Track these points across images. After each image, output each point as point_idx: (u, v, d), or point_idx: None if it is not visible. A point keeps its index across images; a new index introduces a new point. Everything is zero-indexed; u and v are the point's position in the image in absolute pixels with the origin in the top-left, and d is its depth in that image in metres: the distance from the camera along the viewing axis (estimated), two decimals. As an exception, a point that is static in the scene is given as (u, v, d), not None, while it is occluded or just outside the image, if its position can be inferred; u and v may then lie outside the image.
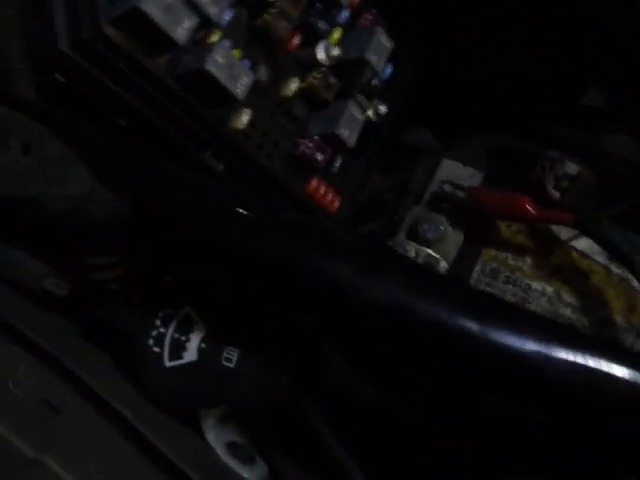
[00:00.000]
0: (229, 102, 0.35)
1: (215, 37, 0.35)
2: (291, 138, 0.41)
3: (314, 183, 0.43)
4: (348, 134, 0.41)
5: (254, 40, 0.39)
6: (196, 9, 0.32)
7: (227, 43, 0.36)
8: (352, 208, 0.46)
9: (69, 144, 0.35)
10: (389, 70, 0.46)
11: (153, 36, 0.31)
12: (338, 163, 0.44)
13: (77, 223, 0.34)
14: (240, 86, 0.35)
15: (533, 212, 0.42)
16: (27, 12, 0.33)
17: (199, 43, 0.35)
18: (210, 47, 0.33)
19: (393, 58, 0.46)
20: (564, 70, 0.48)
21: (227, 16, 0.36)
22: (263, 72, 0.40)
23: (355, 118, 0.42)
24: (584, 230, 0.41)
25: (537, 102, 0.50)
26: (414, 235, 0.46)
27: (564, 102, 0.50)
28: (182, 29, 0.32)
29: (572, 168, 0.43)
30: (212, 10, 0.33)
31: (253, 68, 0.38)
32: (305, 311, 0.31)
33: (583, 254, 0.44)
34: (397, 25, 0.46)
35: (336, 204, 0.45)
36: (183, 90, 0.34)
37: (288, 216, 0.34)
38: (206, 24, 0.34)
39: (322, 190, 0.44)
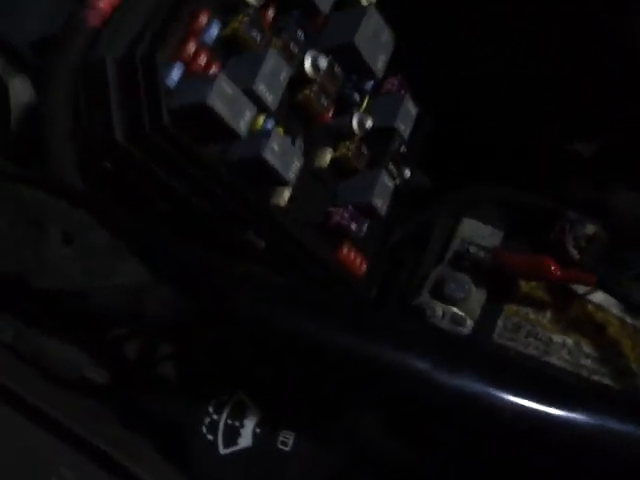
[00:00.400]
0: (279, 185, 0.35)
1: (262, 119, 0.35)
2: (323, 207, 0.42)
3: (345, 250, 0.43)
4: (381, 204, 0.42)
5: (292, 114, 0.38)
6: (256, 99, 0.32)
7: (272, 123, 0.36)
8: (377, 270, 0.46)
9: (115, 234, 0.33)
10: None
11: (215, 128, 0.31)
12: (365, 227, 0.44)
13: (126, 317, 0.33)
14: (292, 171, 0.34)
15: (558, 273, 0.44)
16: (81, 96, 0.31)
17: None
18: (266, 134, 0.33)
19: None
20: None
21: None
22: (300, 145, 0.40)
23: (387, 187, 0.42)
24: (607, 290, 0.43)
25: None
26: (439, 294, 0.47)
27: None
28: (244, 121, 0.31)
29: (590, 229, 0.45)
30: (270, 99, 0.33)
31: (293, 143, 0.38)
32: (378, 405, 0.31)
33: (599, 307, 0.46)
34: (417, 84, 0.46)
35: (363, 268, 0.45)
36: (235, 177, 0.34)
37: (357, 309, 0.34)
38: (262, 111, 0.33)
39: (352, 256, 0.44)
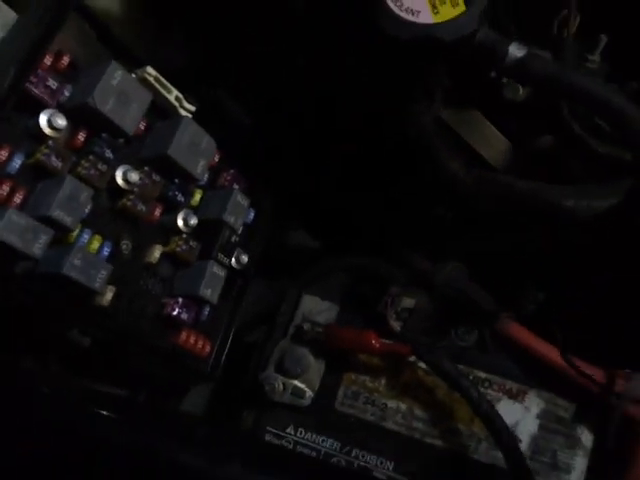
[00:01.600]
0: (90, 294, 0.39)
1: (74, 235, 0.39)
2: (159, 298, 0.45)
3: (184, 335, 0.47)
4: (210, 293, 0.46)
5: (115, 219, 0.42)
6: (55, 223, 0.36)
7: (88, 234, 0.39)
8: (223, 348, 0.50)
9: None
10: (251, 215, 0.51)
11: (12, 254, 0.34)
12: (206, 312, 0.48)
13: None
14: (99, 280, 0.38)
15: (377, 346, 0.48)
16: None
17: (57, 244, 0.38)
18: (67, 252, 0.37)
19: (253, 204, 0.50)
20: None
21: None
22: (126, 245, 0.43)
23: (217, 276, 0.46)
24: (421, 358, 0.48)
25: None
26: (281, 368, 0.51)
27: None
28: (39, 245, 0.35)
29: (409, 302, 0.49)
30: (69, 221, 0.36)
31: (115, 245, 0.42)
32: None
33: (427, 371, 0.50)
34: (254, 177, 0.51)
35: (207, 349, 0.49)
36: (45, 291, 0.37)
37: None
38: (64, 231, 0.37)
39: (192, 340, 0.47)
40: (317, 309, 0.51)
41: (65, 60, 0.39)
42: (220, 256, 0.47)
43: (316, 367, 0.50)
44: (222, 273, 0.47)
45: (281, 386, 0.50)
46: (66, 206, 0.36)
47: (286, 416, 0.50)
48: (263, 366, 0.51)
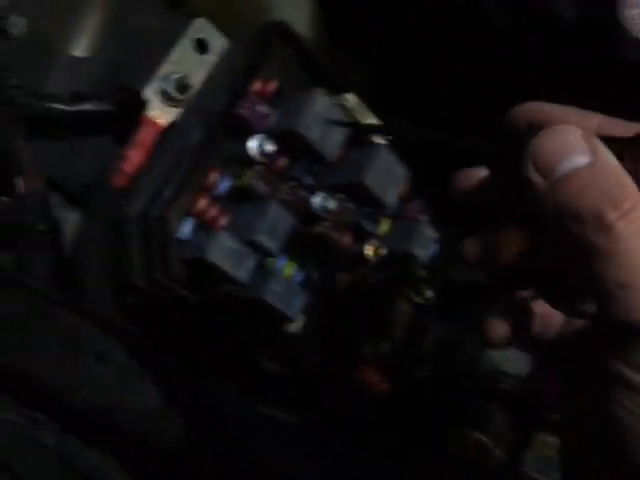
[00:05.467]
0: (283, 321, 0.38)
1: (272, 260, 0.38)
2: (339, 329, 0.44)
3: (364, 369, 0.45)
4: (395, 327, 0.43)
5: (307, 246, 0.41)
6: (259, 247, 0.36)
7: (282, 262, 0.39)
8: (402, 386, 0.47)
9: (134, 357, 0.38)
10: (435, 248, 0.48)
11: (218, 276, 0.35)
12: (387, 346, 0.46)
13: (144, 441, 0.37)
14: (295, 307, 0.37)
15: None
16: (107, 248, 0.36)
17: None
18: (268, 278, 0.36)
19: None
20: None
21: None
22: (316, 273, 0.42)
23: (402, 311, 0.44)
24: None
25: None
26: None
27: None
28: (245, 269, 0.35)
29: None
30: (272, 246, 0.36)
31: (306, 273, 0.41)
32: None
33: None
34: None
35: (385, 385, 0.46)
36: (244, 314, 0.37)
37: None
38: (267, 256, 0.37)
39: (371, 374, 0.45)
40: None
41: (272, 86, 0.39)
42: (406, 290, 0.45)
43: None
44: (407, 307, 0.44)
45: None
46: (270, 231, 0.36)
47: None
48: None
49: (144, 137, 0.36)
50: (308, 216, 0.41)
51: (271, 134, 0.38)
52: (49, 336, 0.39)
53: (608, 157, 0.22)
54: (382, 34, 0.50)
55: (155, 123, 0.37)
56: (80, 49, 0.41)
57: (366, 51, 0.53)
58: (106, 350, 0.38)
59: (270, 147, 0.36)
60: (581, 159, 0.22)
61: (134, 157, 0.36)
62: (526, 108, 0.26)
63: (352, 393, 0.45)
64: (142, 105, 0.37)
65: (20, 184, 0.38)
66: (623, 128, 0.25)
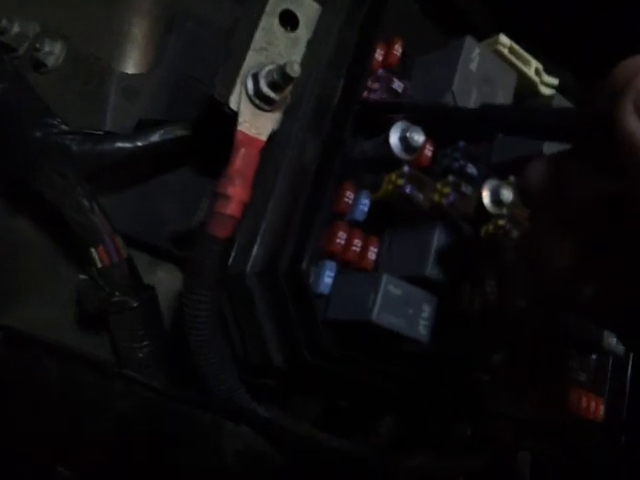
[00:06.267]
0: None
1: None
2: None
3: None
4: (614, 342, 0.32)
5: (480, 255, 0.30)
6: (431, 284, 0.25)
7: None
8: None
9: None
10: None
11: (389, 340, 0.24)
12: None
13: None
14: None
15: None
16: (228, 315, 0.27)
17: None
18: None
19: None
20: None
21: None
22: (491, 287, 0.31)
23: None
24: None
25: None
26: None
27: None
28: (422, 321, 0.24)
29: None
30: (444, 279, 0.25)
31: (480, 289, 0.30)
32: None
33: None
34: None
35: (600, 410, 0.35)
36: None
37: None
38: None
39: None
40: None
41: (397, 49, 0.28)
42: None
43: None
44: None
45: None
46: (440, 264, 0.25)
47: None
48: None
49: (244, 162, 0.26)
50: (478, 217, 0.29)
51: (413, 116, 0.26)
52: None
53: None
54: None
55: (253, 139, 0.27)
56: (134, 64, 0.32)
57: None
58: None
59: (418, 137, 0.25)
60: None
61: (237, 193, 0.26)
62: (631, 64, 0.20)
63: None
64: (231, 119, 0.27)
65: (98, 256, 0.29)
66: None
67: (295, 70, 0.26)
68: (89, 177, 0.29)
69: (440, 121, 0.26)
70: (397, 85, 0.25)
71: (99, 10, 0.32)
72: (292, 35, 0.29)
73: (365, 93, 0.26)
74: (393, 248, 0.26)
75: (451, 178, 0.27)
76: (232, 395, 0.28)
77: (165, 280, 0.34)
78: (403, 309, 0.23)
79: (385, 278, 0.23)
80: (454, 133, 0.27)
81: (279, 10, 0.29)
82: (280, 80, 0.26)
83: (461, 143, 0.28)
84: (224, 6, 0.34)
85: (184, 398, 0.30)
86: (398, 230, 0.26)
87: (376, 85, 0.25)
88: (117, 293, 0.29)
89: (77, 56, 0.31)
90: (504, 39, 0.29)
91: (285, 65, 0.26)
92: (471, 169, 0.28)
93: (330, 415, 0.34)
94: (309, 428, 0.30)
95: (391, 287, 0.23)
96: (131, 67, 0.32)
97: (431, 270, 0.25)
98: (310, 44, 0.29)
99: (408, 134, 0.25)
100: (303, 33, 0.29)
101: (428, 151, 0.28)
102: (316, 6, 0.30)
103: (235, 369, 0.28)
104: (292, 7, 0.29)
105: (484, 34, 0.30)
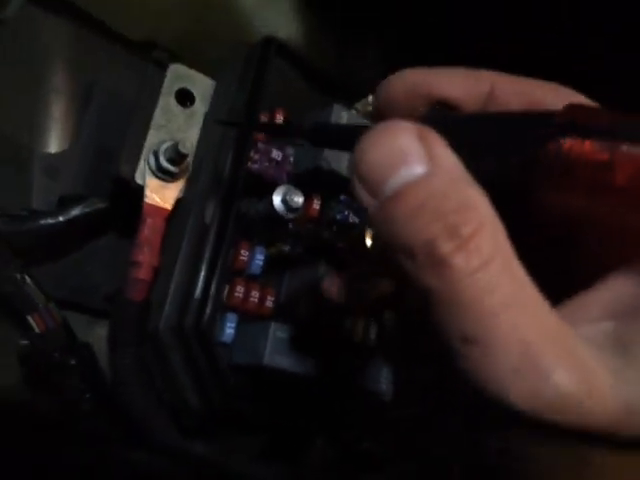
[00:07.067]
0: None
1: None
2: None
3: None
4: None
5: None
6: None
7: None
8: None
9: None
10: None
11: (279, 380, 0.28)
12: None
13: None
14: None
15: None
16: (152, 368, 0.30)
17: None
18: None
19: None
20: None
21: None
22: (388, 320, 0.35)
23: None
24: None
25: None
26: None
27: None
28: (310, 360, 0.28)
29: None
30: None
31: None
32: None
33: None
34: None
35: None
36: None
37: None
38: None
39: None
40: None
41: (279, 118, 0.31)
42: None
43: None
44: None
45: None
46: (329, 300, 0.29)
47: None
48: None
49: (150, 231, 0.30)
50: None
51: (296, 178, 0.30)
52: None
53: (449, 162, 0.16)
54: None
55: (160, 208, 0.31)
56: (54, 142, 0.35)
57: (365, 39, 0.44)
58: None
59: (298, 198, 0.29)
60: (415, 169, 0.16)
61: (146, 260, 0.29)
62: (399, 78, 0.22)
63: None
64: (139, 191, 0.31)
65: (34, 323, 0.32)
66: (520, 85, 0.21)
67: (187, 147, 0.30)
68: (20, 252, 0.33)
69: (318, 182, 0.30)
70: (276, 154, 0.29)
71: (16, 92, 0.35)
72: (189, 111, 0.33)
73: (249, 163, 0.29)
74: (287, 294, 0.30)
75: (335, 228, 0.31)
76: (164, 437, 0.32)
77: (103, 336, 0.37)
78: (293, 350, 0.27)
79: (273, 326, 0.27)
80: (334, 190, 0.31)
81: (175, 89, 0.33)
82: (176, 156, 0.30)
83: (342, 197, 0.32)
84: (135, 78, 0.37)
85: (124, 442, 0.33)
86: (289, 277, 0.30)
87: (257, 156, 0.29)
88: (56, 355, 0.33)
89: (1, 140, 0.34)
90: (373, 99, 0.33)
91: (178, 143, 0.30)
92: (353, 218, 0.32)
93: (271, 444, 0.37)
94: (241, 460, 0.34)
95: (279, 333, 0.27)
96: (52, 145, 0.35)
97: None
98: (206, 117, 0.33)
99: (288, 197, 0.28)
100: (199, 107, 0.33)
101: (316, 205, 0.32)
102: (209, 81, 0.34)
103: (164, 414, 0.31)
104: (187, 85, 0.33)
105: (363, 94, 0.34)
